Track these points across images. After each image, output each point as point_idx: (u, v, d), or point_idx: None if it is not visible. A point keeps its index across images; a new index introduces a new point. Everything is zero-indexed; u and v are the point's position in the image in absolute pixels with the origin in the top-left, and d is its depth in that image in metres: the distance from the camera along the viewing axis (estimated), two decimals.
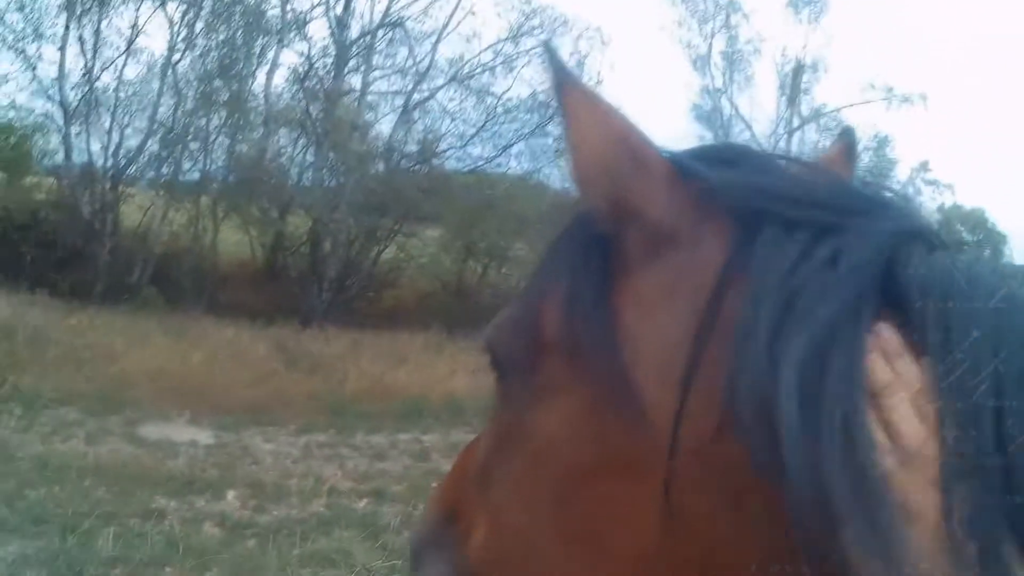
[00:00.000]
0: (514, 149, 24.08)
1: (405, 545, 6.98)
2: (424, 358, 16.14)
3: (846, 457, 0.67)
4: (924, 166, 29.95)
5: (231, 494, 8.23)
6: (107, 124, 21.07)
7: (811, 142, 29.33)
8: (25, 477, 7.68)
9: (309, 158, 23.24)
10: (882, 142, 28.24)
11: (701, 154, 0.92)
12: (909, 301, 0.72)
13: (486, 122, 23.84)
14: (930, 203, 28.44)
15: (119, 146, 21.05)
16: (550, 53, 0.93)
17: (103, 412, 10.56)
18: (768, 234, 0.78)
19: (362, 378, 14.25)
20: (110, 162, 20.94)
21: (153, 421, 10.61)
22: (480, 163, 24.08)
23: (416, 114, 23.82)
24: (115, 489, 7.79)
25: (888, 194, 0.87)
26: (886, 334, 0.72)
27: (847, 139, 1.11)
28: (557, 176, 23.70)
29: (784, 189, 0.82)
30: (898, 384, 0.70)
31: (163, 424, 10.59)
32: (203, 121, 21.73)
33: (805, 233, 0.77)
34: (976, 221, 29.73)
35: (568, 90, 0.89)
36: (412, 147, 23.57)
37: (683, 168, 0.86)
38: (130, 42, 21.07)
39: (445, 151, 23.98)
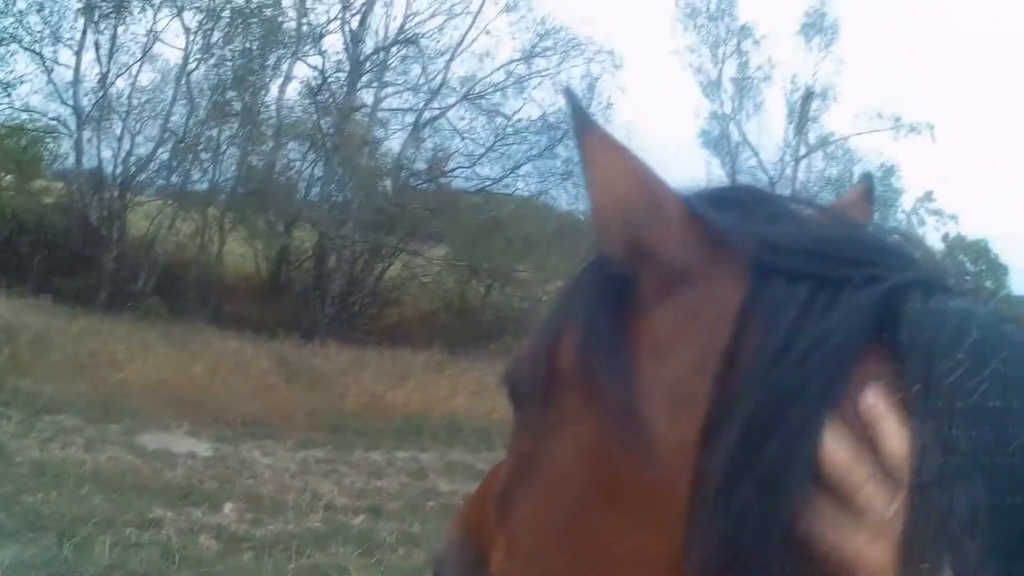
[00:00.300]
0: (522, 170, 24.17)
1: (401, 563, 6.97)
2: (424, 377, 16.15)
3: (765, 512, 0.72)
4: (928, 196, 30.03)
5: (228, 507, 8.22)
6: (118, 130, 21.20)
7: (817, 170, 29.51)
8: (22, 482, 7.66)
9: (318, 172, 23.31)
10: (888, 171, 28.32)
11: (717, 196, 0.94)
12: (901, 342, 0.74)
13: (495, 142, 23.90)
14: (934, 233, 28.61)
15: (129, 153, 21.18)
16: (571, 97, 0.95)
17: (103, 419, 10.55)
18: (774, 284, 0.80)
19: (362, 395, 14.27)
20: (119, 169, 21.04)
21: (152, 431, 10.59)
22: (488, 183, 24.13)
23: (426, 132, 23.93)
24: (112, 497, 7.78)
25: (896, 239, 0.90)
26: (875, 374, 0.74)
27: (866, 183, 1.13)
28: (564, 198, 23.80)
29: (792, 240, 0.84)
30: (883, 423, 0.72)
31: (162, 434, 10.57)
32: (215, 131, 21.84)
33: (807, 284, 0.79)
34: (979, 252, 29.71)
35: (588, 135, 0.90)
36: (421, 165, 23.68)
37: (697, 213, 0.88)
38: (146, 49, 21.28)
39: (453, 170, 24.10)
